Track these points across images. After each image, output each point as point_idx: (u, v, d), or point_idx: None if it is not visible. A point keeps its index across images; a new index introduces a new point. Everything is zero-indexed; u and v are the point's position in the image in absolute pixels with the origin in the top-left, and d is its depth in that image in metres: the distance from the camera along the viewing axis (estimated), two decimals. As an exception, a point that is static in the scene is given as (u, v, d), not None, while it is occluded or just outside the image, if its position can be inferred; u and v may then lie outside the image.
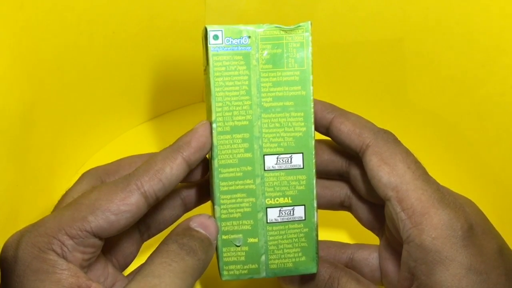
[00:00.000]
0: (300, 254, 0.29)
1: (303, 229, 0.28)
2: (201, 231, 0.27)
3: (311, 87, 0.29)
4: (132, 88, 0.43)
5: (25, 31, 0.32)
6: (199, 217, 0.27)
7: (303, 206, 0.28)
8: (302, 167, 0.28)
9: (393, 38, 0.40)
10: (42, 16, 0.33)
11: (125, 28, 0.39)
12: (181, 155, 0.26)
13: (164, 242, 0.26)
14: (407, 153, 0.27)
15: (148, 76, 0.44)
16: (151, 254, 0.25)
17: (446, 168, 0.34)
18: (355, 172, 0.30)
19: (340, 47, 0.43)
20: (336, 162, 0.31)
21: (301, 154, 0.28)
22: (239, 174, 0.28)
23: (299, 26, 0.29)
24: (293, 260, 0.29)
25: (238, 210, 0.28)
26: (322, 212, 0.33)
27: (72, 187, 0.28)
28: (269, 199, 0.28)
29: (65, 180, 0.40)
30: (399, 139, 0.29)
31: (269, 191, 0.28)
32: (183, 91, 0.45)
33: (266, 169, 0.28)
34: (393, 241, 0.29)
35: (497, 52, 0.35)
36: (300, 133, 0.28)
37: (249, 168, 0.28)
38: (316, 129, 0.29)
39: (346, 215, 0.32)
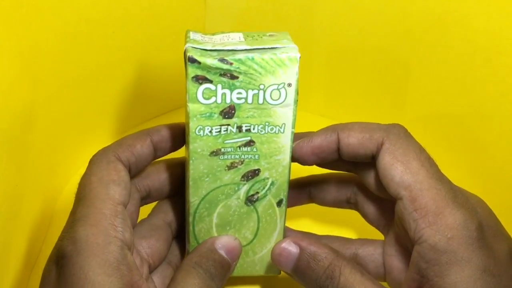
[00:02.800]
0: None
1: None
2: (224, 255, 0.28)
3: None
4: (132, 88, 0.43)
5: (25, 31, 0.32)
6: (224, 238, 0.29)
7: None
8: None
9: (393, 38, 0.40)
10: (41, 16, 0.33)
11: (125, 28, 0.39)
12: (150, 138, 0.28)
13: (187, 264, 0.27)
14: (421, 150, 0.26)
15: (148, 76, 0.44)
16: (179, 272, 0.27)
17: (447, 168, 0.34)
18: (364, 168, 0.29)
19: (340, 47, 0.43)
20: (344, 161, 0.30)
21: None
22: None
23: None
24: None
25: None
26: (326, 209, 0.33)
27: (90, 172, 0.27)
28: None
29: (65, 180, 0.40)
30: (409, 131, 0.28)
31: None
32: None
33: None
34: (400, 239, 0.28)
35: (497, 52, 0.35)
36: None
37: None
38: (327, 158, 0.29)
39: (350, 212, 0.32)
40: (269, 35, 0.28)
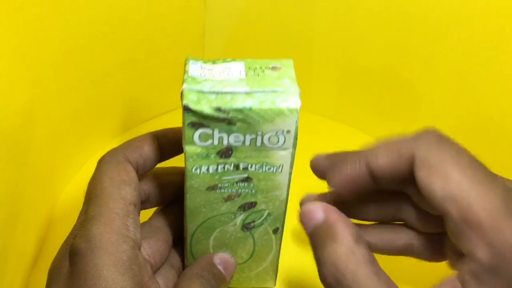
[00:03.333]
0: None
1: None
2: (221, 270, 0.29)
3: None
4: (132, 88, 0.43)
5: (25, 31, 0.32)
6: (222, 254, 0.30)
7: None
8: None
9: (393, 38, 0.40)
10: (41, 16, 0.33)
11: (125, 28, 0.39)
12: (157, 141, 0.29)
13: (190, 274, 0.28)
14: (459, 154, 0.23)
15: (148, 76, 0.44)
16: (183, 280, 0.28)
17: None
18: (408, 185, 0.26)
19: (339, 47, 0.43)
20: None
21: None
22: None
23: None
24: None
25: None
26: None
27: (100, 172, 0.27)
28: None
29: (65, 180, 0.40)
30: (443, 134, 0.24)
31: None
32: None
33: None
34: (453, 255, 0.25)
35: (497, 52, 0.35)
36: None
37: None
38: (365, 188, 0.26)
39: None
40: (272, 68, 0.26)
